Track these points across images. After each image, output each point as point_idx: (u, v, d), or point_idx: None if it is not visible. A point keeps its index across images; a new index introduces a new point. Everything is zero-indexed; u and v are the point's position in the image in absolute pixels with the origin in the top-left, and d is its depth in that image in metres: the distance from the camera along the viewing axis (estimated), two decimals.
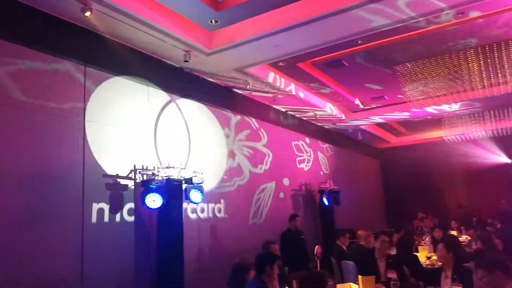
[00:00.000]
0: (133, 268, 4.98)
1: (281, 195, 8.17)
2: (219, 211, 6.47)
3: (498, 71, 7.15)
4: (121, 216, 4.93)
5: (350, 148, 12.55)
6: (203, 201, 5.92)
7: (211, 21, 5.05)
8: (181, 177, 5.28)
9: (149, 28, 4.75)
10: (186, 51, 5.41)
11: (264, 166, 7.50)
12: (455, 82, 7.33)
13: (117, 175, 4.93)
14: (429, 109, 9.51)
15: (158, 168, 5.29)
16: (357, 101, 9.22)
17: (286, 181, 8.18)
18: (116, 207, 4.87)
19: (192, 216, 6.01)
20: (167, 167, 5.29)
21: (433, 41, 6.14)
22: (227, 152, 6.78)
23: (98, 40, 4.86)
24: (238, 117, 7.01)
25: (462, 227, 9.81)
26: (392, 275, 4.77)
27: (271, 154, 7.75)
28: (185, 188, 5.34)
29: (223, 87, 6.96)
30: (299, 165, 8.99)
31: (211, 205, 6.35)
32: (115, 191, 4.89)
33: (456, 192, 13.32)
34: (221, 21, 5.07)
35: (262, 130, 7.64)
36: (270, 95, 7.62)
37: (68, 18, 4.48)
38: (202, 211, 6.15)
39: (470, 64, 6.81)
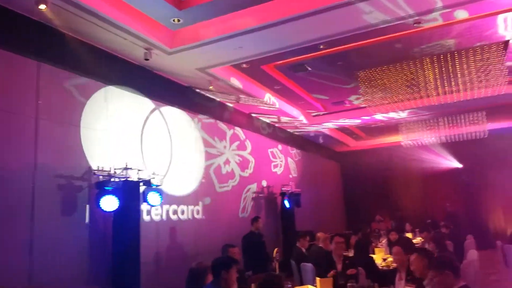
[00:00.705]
0: (86, 272, 4.78)
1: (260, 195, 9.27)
2: (198, 212, 6.89)
3: (452, 80, 7.50)
4: (75, 218, 4.72)
5: (312, 152, 12.89)
6: (183, 203, 6.52)
7: (173, 20, 4.94)
8: (138, 178, 5.13)
9: (108, 24, 4.58)
10: (146, 49, 5.28)
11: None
12: (412, 89, 7.61)
13: (71, 176, 4.72)
14: (378, 116, 9.93)
15: (115, 169, 5.11)
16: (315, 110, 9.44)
17: (264, 183, 9.31)
18: (70, 209, 4.66)
19: (173, 217, 6.30)
20: (125, 168, 5.12)
21: (391, 48, 6.35)
22: (205, 158, 7.31)
23: (55, 36, 4.63)
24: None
25: (416, 229, 10.20)
26: None
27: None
28: (143, 190, 5.20)
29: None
30: (273, 169, 10.06)
31: (190, 207, 6.71)
32: (69, 193, 4.68)
33: (412, 195, 13.81)
34: (184, 20, 4.98)
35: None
36: (234, 101, 7.73)
37: (20, 10, 4.24)
38: (182, 212, 6.51)
39: (426, 72, 7.10)
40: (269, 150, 9.93)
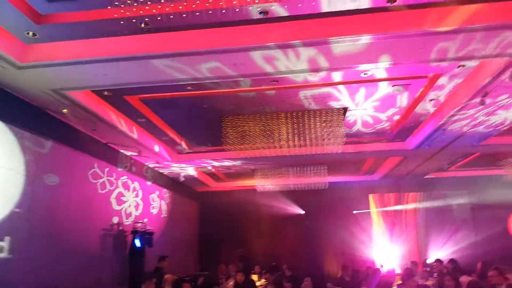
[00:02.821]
0: None
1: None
2: (2, 250, 5.43)
3: (301, 135, 8.42)
4: None
5: (177, 191, 12.93)
6: None
7: (28, 33, 4.52)
8: None
9: None
10: None
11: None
12: (268, 139, 8.28)
13: None
14: (215, 164, 10.90)
15: None
16: (183, 144, 9.51)
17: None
18: None
19: None
20: None
21: (251, 100, 6.90)
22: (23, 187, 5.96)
23: None
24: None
25: (263, 271, 10.73)
26: None
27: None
28: None
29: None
30: (151, 210, 11.13)
31: None
32: None
33: (263, 237, 14.53)
34: (40, 35, 4.60)
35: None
36: (90, 128, 7.34)
37: None
38: None
39: (280, 126, 7.85)
40: (150, 196, 11.13)
